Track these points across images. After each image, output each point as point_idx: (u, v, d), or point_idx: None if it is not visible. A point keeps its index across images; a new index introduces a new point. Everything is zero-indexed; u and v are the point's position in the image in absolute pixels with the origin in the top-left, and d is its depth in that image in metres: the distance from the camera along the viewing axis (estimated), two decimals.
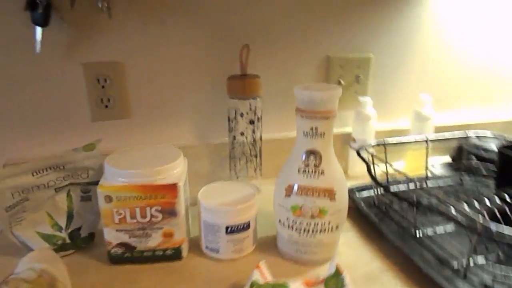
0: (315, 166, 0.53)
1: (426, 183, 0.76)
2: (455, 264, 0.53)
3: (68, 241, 0.58)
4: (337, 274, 0.46)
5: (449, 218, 0.49)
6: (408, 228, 0.61)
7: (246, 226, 0.56)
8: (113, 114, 0.73)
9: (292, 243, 0.56)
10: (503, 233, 0.45)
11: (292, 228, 0.55)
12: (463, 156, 0.80)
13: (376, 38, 0.84)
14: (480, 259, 0.54)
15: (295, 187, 0.53)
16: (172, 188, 0.53)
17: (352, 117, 0.84)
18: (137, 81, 0.73)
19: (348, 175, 0.87)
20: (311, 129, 0.52)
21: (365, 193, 0.75)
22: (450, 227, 0.62)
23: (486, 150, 0.82)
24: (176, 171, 0.56)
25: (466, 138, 0.77)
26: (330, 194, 0.52)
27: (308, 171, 0.53)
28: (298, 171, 0.53)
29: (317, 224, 0.53)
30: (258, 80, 0.70)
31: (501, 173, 0.68)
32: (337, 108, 0.52)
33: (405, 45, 0.86)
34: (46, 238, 0.56)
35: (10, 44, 0.65)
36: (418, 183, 0.61)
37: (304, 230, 0.54)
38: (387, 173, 0.70)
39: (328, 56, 0.82)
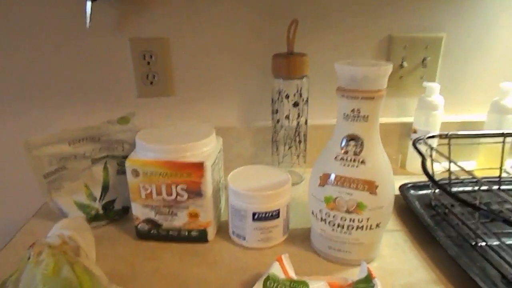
0: (355, 154, 0.46)
1: (499, 186, 0.64)
2: None
3: (101, 212, 0.58)
4: (368, 280, 0.40)
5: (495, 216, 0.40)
6: (469, 236, 0.52)
7: (275, 215, 0.52)
8: (158, 91, 0.73)
9: (325, 238, 0.50)
10: None
11: (325, 221, 0.49)
12: None
13: (451, 15, 0.72)
14: None
15: (331, 177, 0.47)
16: (199, 167, 0.50)
17: (416, 105, 0.74)
18: (182, 58, 0.72)
19: (406, 171, 0.78)
20: (352, 111, 0.45)
21: (422, 192, 0.65)
22: None
23: None
24: (205, 149, 0.53)
25: None
26: (370, 187, 0.46)
27: (347, 159, 0.46)
28: (336, 158, 0.47)
29: (353, 220, 0.47)
30: (305, 58, 0.64)
31: None
32: (385, 87, 0.45)
33: (486, 26, 0.73)
34: (81, 207, 0.58)
35: (62, 19, 0.67)
36: (487, 186, 0.51)
37: (338, 226, 0.48)
38: (449, 170, 0.60)
39: (390, 35, 0.73)
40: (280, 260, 0.44)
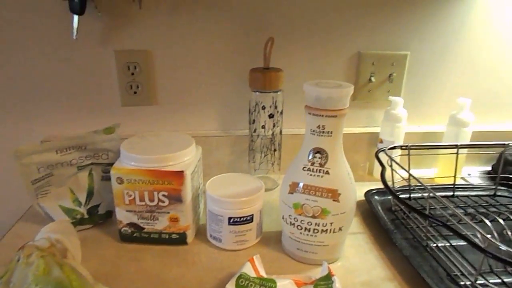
0: (320, 165, 0.51)
1: (453, 192, 0.71)
2: (464, 281, 0.49)
3: (86, 216, 0.62)
4: (328, 277, 0.45)
5: (457, 234, 0.46)
6: (421, 239, 0.58)
7: (249, 219, 0.56)
8: (141, 100, 0.77)
9: (294, 240, 0.55)
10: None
11: (294, 225, 0.54)
12: (503, 166, 0.73)
13: (414, 35, 0.79)
14: (493, 280, 0.49)
15: (299, 185, 0.53)
16: (179, 175, 0.55)
17: (382, 117, 0.80)
18: (164, 69, 0.76)
19: (373, 177, 0.84)
20: (318, 127, 0.50)
21: (385, 197, 0.72)
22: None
23: None
24: (186, 159, 0.57)
25: (505, 146, 0.70)
26: (334, 195, 0.51)
27: (313, 170, 0.52)
28: (303, 168, 0.52)
29: (318, 224, 0.52)
30: (280, 73, 0.70)
31: None
32: (347, 106, 0.50)
33: (447, 44, 0.80)
34: (67, 211, 0.61)
35: (50, 30, 0.70)
36: (437, 192, 0.57)
37: (305, 229, 0.53)
38: (409, 179, 0.67)
39: (359, 52, 0.79)
40: (252, 261, 0.49)
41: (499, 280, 0.49)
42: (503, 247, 0.41)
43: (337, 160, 0.52)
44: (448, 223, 0.48)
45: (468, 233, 0.50)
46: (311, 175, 0.52)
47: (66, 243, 0.53)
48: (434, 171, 0.84)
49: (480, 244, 0.44)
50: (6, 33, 0.70)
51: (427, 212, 0.56)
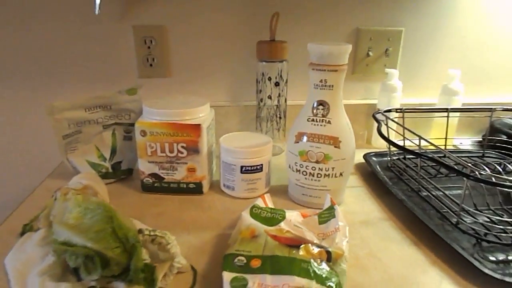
0: (323, 115, 0.58)
1: (444, 154, 0.77)
2: (454, 220, 0.55)
3: (110, 170, 0.68)
4: (330, 208, 0.51)
5: (444, 166, 0.52)
6: (416, 189, 0.64)
7: (259, 168, 0.63)
8: (156, 73, 0.83)
9: (299, 187, 0.62)
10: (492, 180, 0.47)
11: (299, 171, 0.60)
12: (492, 133, 0.79)
13: (409, 12, 0.86)
14: (478, 214, 0.56)
15: (304, 134, 0.59)
16: (196, 128, 0.61)
17: (379, 89, 0.87)
18: (178, 44, 0.82)
19: (371, 145, 0.90)
20: (321, 81, 0.57)
21: (382, 159, 0.78)
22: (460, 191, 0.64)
23: None
24: (201, 115, 0.64)
25: (492, 110, 0.77)
26: (335, 142, 0.57)
27: (316, 120, 0.58)
28: (308, 120, 0.59)
29: (321, 169, 0.59)
30: (285, 44, 0.76)
31: None
32: (346, 63, 0.57)
33: (438, 21, 0.87)
34: (93, 165, 0.67)
35: (75, 6, 0.77)
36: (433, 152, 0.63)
37: (310, 174, 0.60)
38: (403, 136, 0.72)
39: (358, 28, 0.86)
40: (263, 197, 0.55)
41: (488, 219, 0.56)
42: (483, 173, 0.48)
43: (337, 112, 0.58)
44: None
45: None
46: (314, 124, 0.58)
47: (97, 188, 0.59)
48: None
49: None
50: (32, 7, 0.76)
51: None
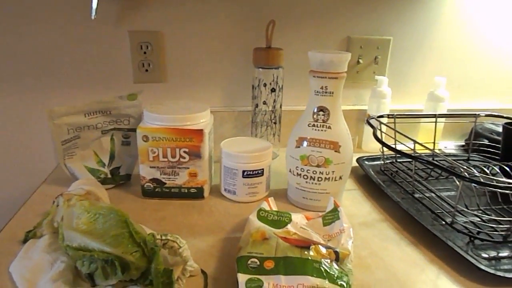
0: (323, 121, 0.60)
1: (432, 158, 0.80)
2: (448, 220, 0.58)
3: (109, 176, 0.68)
4: (334, 210, 0.53)
5: (442, 169, 0.55)
6: (410, 191, 0.67)
7: (260, 172, 0.64)
8: (152, 78, 0.84)
9: (300, 190, 0.63)
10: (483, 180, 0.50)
11: (300, 175, 0.62)
12: (474, 138, 0.84)
13: (397, 22, 0.89)
14: (471, 213, 0.59)
15: (305, 139, 0.61)
16: (199, 133, 0.62)
17: (369, 95, 0.90)
18: (174, 49, 0.83)
19: (361, 150, 0.93)
20: (321, 88, 0.59)
21: (374, 163, 0.81)
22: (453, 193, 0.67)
23: (499, 133, 0.86)
24: (203, 120, 0.65)
25: (476, 116, 0.81)
26: (335, 146, 0.60)
27: (317, 125, 0.60)
28: (308, 125, 0.61)
29: (322, 172, 0.60)
30: (281, 51, 0.78)
31: (505, 148, 0.72)
32: (345, 70, 0.59)
33: (425, 30, 0.91)
34: (92, 171, 0.67)
35: (72, 10, 0.76)
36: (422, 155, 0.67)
37: (310, 178, 0.61)
38: (395, 139, 0.75)
39: (349, 36, 0.89)
40: (267, 201, 0.56)
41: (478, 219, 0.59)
42: (477, 173, 0.51)
43: (337, 117, 0.60)
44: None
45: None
46: (315, 130, 0.60)
47: (99, 193, 0.59)
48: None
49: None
50: (28, 10, 0.75)
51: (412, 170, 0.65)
